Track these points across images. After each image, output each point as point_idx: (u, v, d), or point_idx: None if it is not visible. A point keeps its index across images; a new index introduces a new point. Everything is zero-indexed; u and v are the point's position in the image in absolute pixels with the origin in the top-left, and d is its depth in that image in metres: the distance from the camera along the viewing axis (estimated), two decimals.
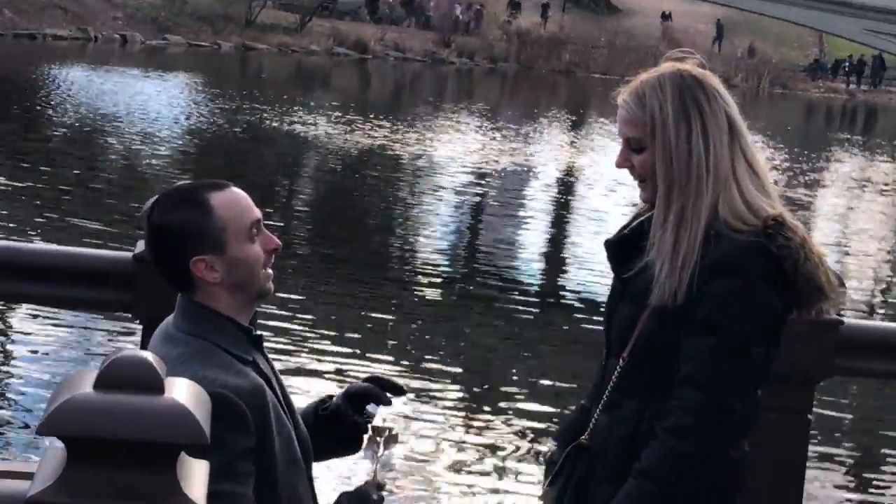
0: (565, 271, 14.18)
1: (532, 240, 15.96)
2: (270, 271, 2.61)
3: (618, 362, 2.90)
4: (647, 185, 2.91)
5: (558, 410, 8.50)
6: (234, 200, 2.58)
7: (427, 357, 9.39)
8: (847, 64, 54.11)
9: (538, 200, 19.36)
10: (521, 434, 7.94)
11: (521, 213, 17.76)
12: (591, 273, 13.34)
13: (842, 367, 3.83)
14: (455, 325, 10.75)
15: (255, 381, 2.53)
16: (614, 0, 59.38)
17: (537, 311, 11.75)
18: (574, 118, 34.05)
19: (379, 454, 2.70)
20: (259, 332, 2.65)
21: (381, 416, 2.80)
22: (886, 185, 26.28)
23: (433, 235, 15.35)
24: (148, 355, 1.60)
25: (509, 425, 8.08)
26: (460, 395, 8.75)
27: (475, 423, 8.05)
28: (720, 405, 2.75)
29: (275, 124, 23.90)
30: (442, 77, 44.70)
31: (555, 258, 15.15)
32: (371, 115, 26.64)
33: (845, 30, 24.09)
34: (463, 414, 8.28)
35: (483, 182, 20.23)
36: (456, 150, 23.00)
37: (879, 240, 19.00)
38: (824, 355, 3.70)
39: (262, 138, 22.18)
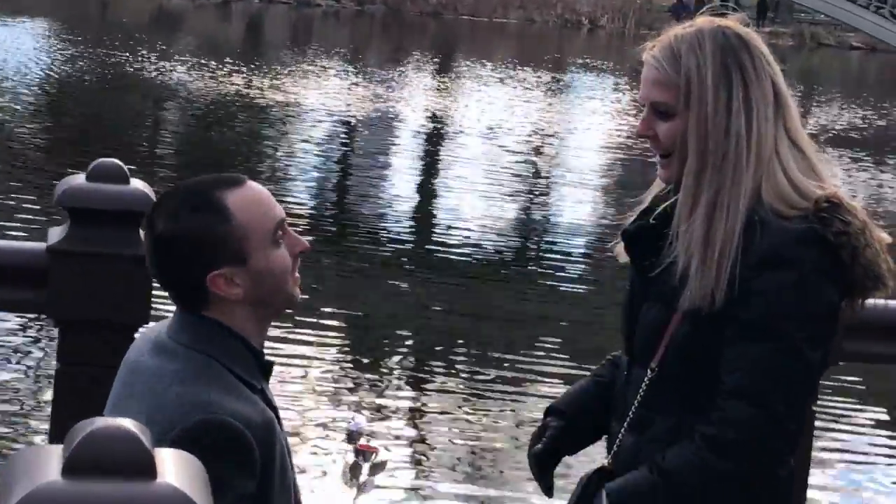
0: (437, 223, 13.80)
1: (403, 190, 15.58)
2: (298, 276, 2.25)
3: (645, 373, 2.49)
4: (672, 162, 2.48)
5: (432, 367, 8.38)
6: (255, 200, 2.19)
7: (303, 316, 9.03)
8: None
9: (407, 148, 18.94)
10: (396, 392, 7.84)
11: (390, 162, 17.38)
12: (463, 225, 13.11)
13: (850, 352, 3.31)
14: (328, 278, 10.36)
15: (267, 413, 2.15)
16: None
17: (411, 266, 11.42)
18: (443, 61, 33.67)
19: (361, 480, 2.43)
20: (271, 359, 2.27)
21: (366, 434, 2.47)
22: None
23: (300, 188, 14.95)
24: (129, 424, 1.25)
25: (388, 384, 7.97)
26: (339, 349, 8.64)
27: (353, 385, 7.88)
28: (774, 420, 2.37)
29: (134, 71, 23.09)
30: (308, 20, 43.95)
31: (425, 209, 14.76)
32: (234, 62, 25.89)
33: None
34: (343, 372, 8.14)
35: (350, 130, 19.71)
36: (322, 96, 22.39)
37: None
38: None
39: (120, 87, 21.41)
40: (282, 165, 16.45)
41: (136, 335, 2.63)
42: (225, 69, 24.37)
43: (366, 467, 2.48)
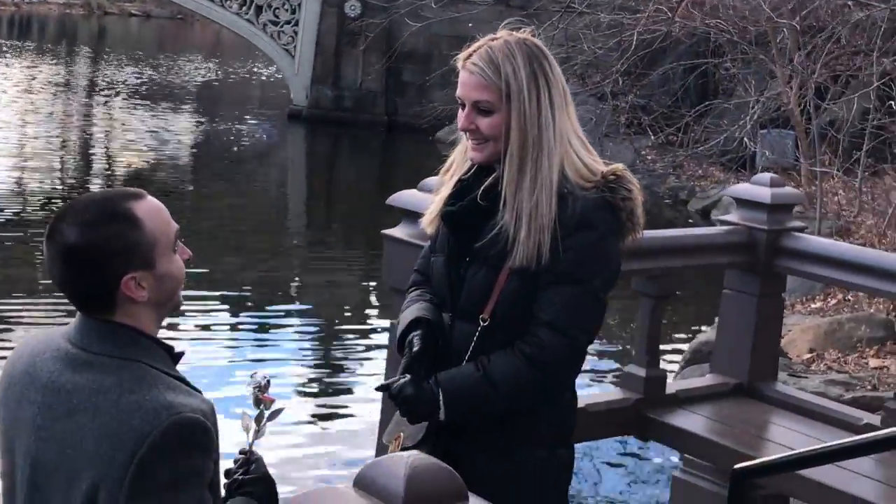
0: None
1: None
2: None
3: (473, 325, 2.82)
4: (489, 146, 2.82)
5: None
6: (159, 211, 2.18)
7: None
8: None
9: None
10: None
11: None
12: None
13: None
14: None
15: (207, 400, 2.15)
16: None
17: None
18: None
19: (261, 427, 2.47)
20: (182, 350, 2.25)
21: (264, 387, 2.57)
22: (56, 84, 28.65)
23: None
24: (442, 463, 1.41)
25: None
26: None
27: None
28: (577, 348, 2.79)
29: None
30: None
31: None
32: None
33: None
34: None
35: None
36: None
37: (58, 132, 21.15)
38: None
39: None
40: None
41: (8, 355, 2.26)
42: None
43: (266, 414, 2.70)
